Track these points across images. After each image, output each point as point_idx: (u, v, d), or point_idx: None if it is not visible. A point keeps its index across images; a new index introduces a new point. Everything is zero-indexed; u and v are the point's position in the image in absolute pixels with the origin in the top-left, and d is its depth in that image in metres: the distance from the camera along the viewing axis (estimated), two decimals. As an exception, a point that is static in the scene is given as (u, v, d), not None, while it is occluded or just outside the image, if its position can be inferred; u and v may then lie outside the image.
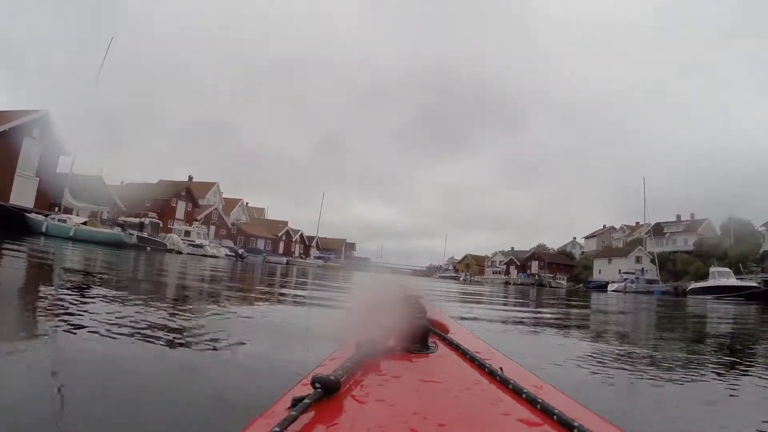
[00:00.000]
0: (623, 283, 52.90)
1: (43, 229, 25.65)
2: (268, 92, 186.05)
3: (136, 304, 3.99)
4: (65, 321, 2.85)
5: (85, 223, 27.99)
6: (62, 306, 3.41)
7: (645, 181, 63.09)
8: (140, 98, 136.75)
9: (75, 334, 2.54)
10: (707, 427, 2.12)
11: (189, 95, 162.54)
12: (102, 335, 2.51)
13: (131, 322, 3.03)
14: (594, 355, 3.71)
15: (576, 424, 0.63)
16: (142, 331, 2.78)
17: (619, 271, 63.67)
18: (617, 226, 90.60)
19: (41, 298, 4.02)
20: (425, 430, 0.66)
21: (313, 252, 79.53)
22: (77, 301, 3.76)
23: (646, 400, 2.43)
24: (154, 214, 39.51)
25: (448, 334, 1.23)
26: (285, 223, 77.49)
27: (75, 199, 30.81)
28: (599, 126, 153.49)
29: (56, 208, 29.66)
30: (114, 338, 2.49)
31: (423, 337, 1.12)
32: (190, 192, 58.09)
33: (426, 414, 0.71)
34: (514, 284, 62.70)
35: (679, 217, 72.07)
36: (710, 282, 40.94)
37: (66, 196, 30.16)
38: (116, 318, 3.06)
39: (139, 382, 1.86)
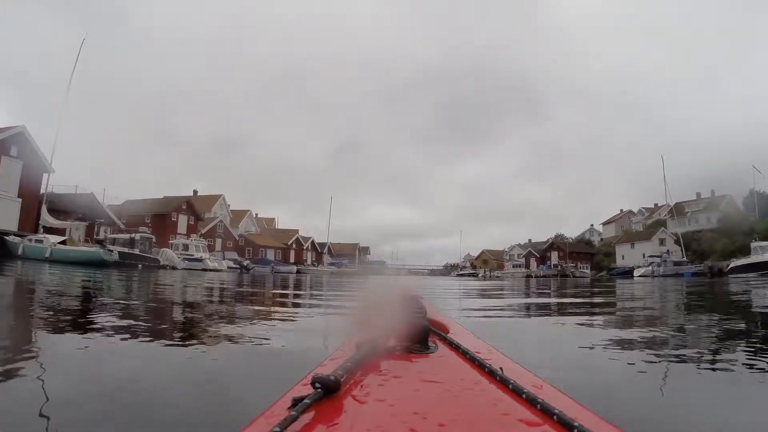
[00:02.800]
0: (650, 267, 50.69)
1: (20, 252, 24.77)
2: (282, 100, 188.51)
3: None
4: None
5: (64, 243, 26.62)
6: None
7: (664, 160, 60.41)
8: (150, 113, 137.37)
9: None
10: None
11: (201, 108, 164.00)
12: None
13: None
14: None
15: (576, 424, 0.63)
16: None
17: (644, 255, 61.43)
18: (635, 210, 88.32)
19: None
20: (425, 430, 0.66)
21: (326, 259, 77.97)
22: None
23: None
24: (146, 229, 37.80)
25: (448, 334, 1.24)
26: (295, 232, 76.12)
27: (51, 217, 29.45)
28: (619, 107, 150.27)
29: (42, 229, 28.43)
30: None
31: (423, 337, 1.12)
32: (191, 205, 57.53)
33: (426, 414, 0.71)
34: (535, 277, 60.76)
35: (699, 195, 69.43)
36: (753, 258, 38.19)
37: (43, 215, 28.92)
38: None
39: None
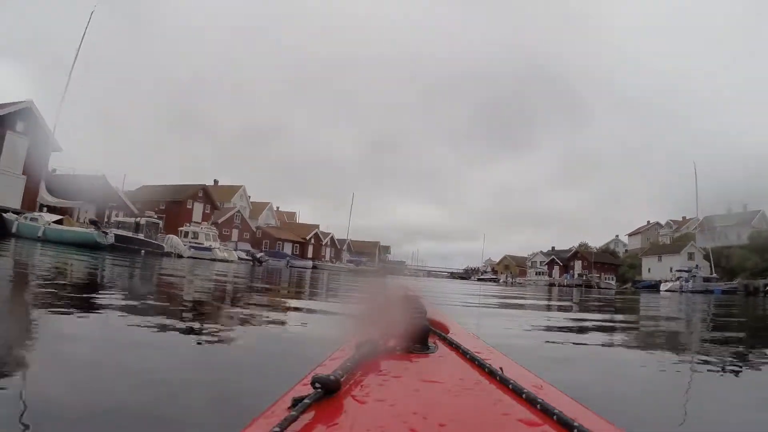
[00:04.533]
0: (677, 282, 49.02)
1: (14, 230, 24.28)
2: (317, 94, 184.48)
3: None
4: None
5: (60, 222, 25.87)
6: None
7: (696, 168, 58.23)
8: (182, 100, 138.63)
9: None
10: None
11: (234, 98, 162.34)
12: None
13: None
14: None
15: (576, 424, 0.63)
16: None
17: (671, 269, 59.52)
18: (662, 222, 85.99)
19: None
20: (425, 430, 0.67)
21: (345, 256, 77.37)
22: None
23: None
24: (153, 214, 36.49)
25: (448, 334, 1.24)
26: (315, 227, 75.55)
27: (50, 196, 29.10)
28: (660, 117, 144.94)
29: (45, 209, 28.18)
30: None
31: (423, 337, 1.12)
32: (207, 193, 56.79)
33: (426, 414, 0.72)
34: (559, 285, 59.27)
35: (730, 209, 66.74)
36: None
37: (41, 192, 28.52)
38: None
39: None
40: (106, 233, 25.67)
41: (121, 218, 34.53)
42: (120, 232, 29.44)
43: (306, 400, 0.70)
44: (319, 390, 0.74)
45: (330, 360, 1.08)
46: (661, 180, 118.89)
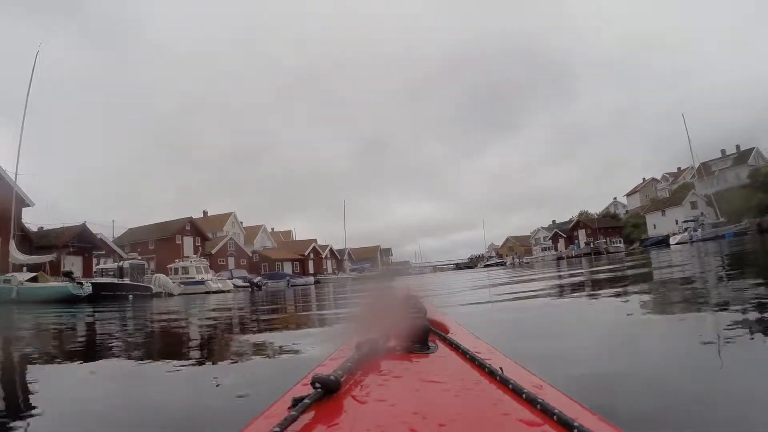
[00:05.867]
0: (686, 233, 48.09)
1: None
2: (300, 104, 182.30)
3: None
4: None
5: (35, 279, 24.25)
6: None
7: (685, 119, 57.00)
8: (164, 132, 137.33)
9: None
10: None
11: (216, 122, 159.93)
12: None
13: None
14: None
15: (576, 424, 0.63)
16: None
17: (676, 221, 58.60)
18: (658, 177, 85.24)
19: None
20: (425, 430, 0.67)
21: (347, 265, 75.96)
22: None
23: None
24: (135, 255, 35.31)
25: (448, 334, 1.23)
26: (312, 241, 74.10)
27: (21, 254, 27.16)
28: (645, 78, 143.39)
29: (23, 268, 26.77)
30: None
31: (423, 337, 1.12)
32: (195, 226, 55.28)
33: (426, 414, 0.72)
34: (567, 257, 58.13)
35: (724, 152, 66.28)
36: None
37: (12, 251, 26.65)
38: None
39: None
40: (81, 284, 23.88)
41: (102, 265, 32.93)
42: (103, 279, 28.02)
43: (306, 400, 0.71)
44: (319, 390, 0.74)
45: (330, 360, 1.09)
46: (651, 138, 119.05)
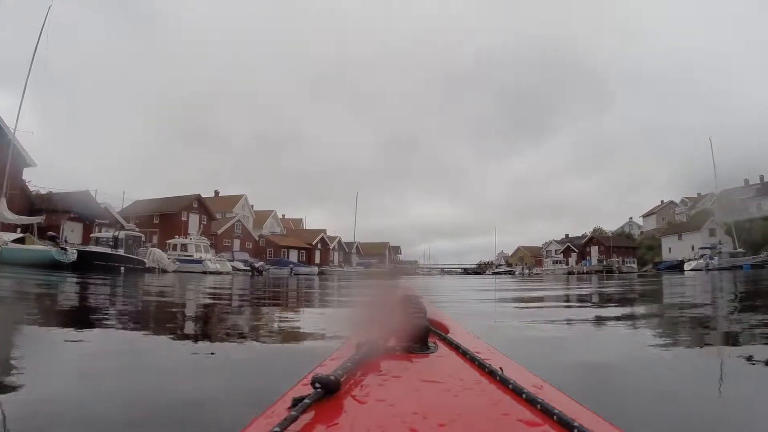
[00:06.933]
0: (702, 260, 46.74)
1: None
2: (330, 96, 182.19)
3: None
4: None
5: (21, 240, 23.88)
6: None
7: (712, 143, 55.24)
8: (191, 113, 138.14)
9: None
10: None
11: (244, 108, 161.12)
12: None
13: None
14: None
15: (576, 424, 0.63)
16: None
17: (692, 247, 57.06)
18: (677, 201, 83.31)
19: None
20: (425, 430, 0.67)
21: (354, 259, 75.48)
22: None
23: None
24: (133, 226, 33.89)
25: (448, 334, 1.23)
26: (321, 231, 73.65)
27: (10, 213, 26.87)
28: (681, 96, 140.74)
29: (18, 229, 26.45)
30: None
31: (423, 337, 1.12)
32: (202, 204, 54.57)
33: (426, 414, 0.72)
34: (578, 273, 57.05)
35: (747, 181, 64.34)
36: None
37: (1, 209, 26.39)
38: None
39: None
40: (66, 250, 23.32)
41: (97, 234, 32.36)
42: (93, 248, 27.57)
43: (306, 400, 0.70)
44: (319, 390, 0.74)
45: (330, 360, 1.08)
46: (673, 159, 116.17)
